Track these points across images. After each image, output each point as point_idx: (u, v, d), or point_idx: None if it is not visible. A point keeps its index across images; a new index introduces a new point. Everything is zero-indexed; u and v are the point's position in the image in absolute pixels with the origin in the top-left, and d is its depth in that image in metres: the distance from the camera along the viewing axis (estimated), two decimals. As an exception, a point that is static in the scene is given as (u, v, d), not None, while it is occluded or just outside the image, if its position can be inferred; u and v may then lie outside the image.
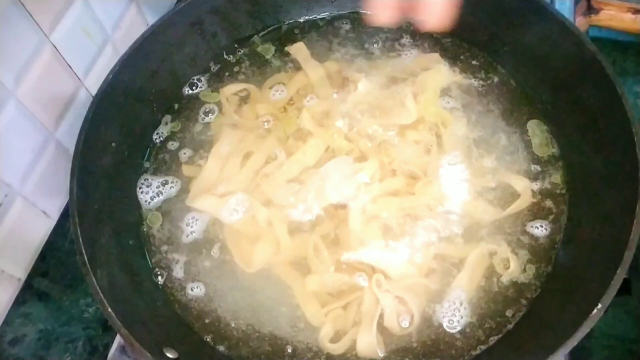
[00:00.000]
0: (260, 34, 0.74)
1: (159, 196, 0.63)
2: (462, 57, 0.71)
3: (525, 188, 0.60)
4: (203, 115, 0.68)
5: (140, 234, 0.61)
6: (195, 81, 0.71)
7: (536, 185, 0.61)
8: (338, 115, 0.64)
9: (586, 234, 0.56)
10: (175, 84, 0.70)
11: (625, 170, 0.52)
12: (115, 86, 0.60)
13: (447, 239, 0.58)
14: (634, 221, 0.48)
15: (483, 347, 0.53)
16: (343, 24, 0.74)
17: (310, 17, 0.75)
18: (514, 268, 0.56)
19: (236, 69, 0.72)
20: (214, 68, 0.72)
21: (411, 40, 0.72)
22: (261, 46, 0.73)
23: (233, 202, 0.60)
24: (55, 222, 0.68)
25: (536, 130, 0.65)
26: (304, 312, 0.55)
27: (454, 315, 0.55)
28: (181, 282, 0.58)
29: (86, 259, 0.50)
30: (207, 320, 0.56)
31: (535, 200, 0.60)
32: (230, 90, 0.69)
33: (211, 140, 0.66)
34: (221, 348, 0.55)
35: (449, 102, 0.66)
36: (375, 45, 0.72)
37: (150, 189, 0.63)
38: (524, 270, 0.57)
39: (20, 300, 0.63)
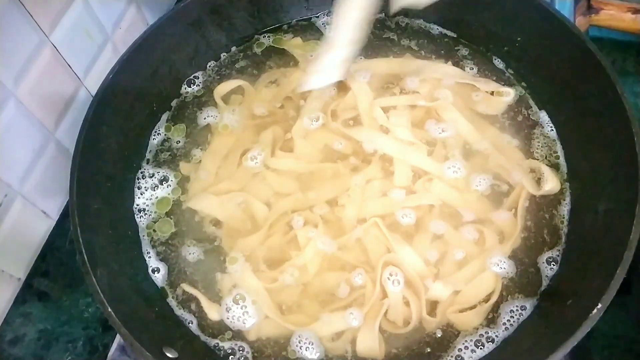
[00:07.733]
0: (260, 34, 0.74)
1: (158, 196, 0.63)
2: (461, 56, 0.71)
3: (525, 188, 0.60)
4: (202, 114, 0.68)
5: (140, 234, 0.61)
6: (195, 80, 0.71)
7: (536, 185, 0.61)
8: (336, 113, 0.64)
9: (586, 234, 0.56)
10: (175, 84, 0.70)
11: (625, 170, 0.52)
12: (115, 86, 0.60)
13: (447, 238, 0.58)
14: (634, 221, 0.48)
15: (484, 348, 0.53)
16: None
17: (310, 16, 0.75)
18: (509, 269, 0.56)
19: (235, 68, 0.72)
20: (213, 67, 0.72)
21: (411, 42, 0.72)
22: (260, 45, 0.74)
23: (231, 200, 0.60)
24: (55, 222, 0.68)
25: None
26: (304, 312, 0.55)
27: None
28: (181, 282, 0.58)
29: (86, 258, 0.50)
30: (207, 320, 0.56)
31: (534, 199, 0.60)
32: (228, 88, 0.69)
33: (209, 138, 0.66)
34: (220, 348, 0.55)
35: (448, 102, 0.66)
36: (375, 45, 0.72)
37: (149, 188, 0.63)
38: (524, 270, 0.57)
39: (20, 300, 0.63)
